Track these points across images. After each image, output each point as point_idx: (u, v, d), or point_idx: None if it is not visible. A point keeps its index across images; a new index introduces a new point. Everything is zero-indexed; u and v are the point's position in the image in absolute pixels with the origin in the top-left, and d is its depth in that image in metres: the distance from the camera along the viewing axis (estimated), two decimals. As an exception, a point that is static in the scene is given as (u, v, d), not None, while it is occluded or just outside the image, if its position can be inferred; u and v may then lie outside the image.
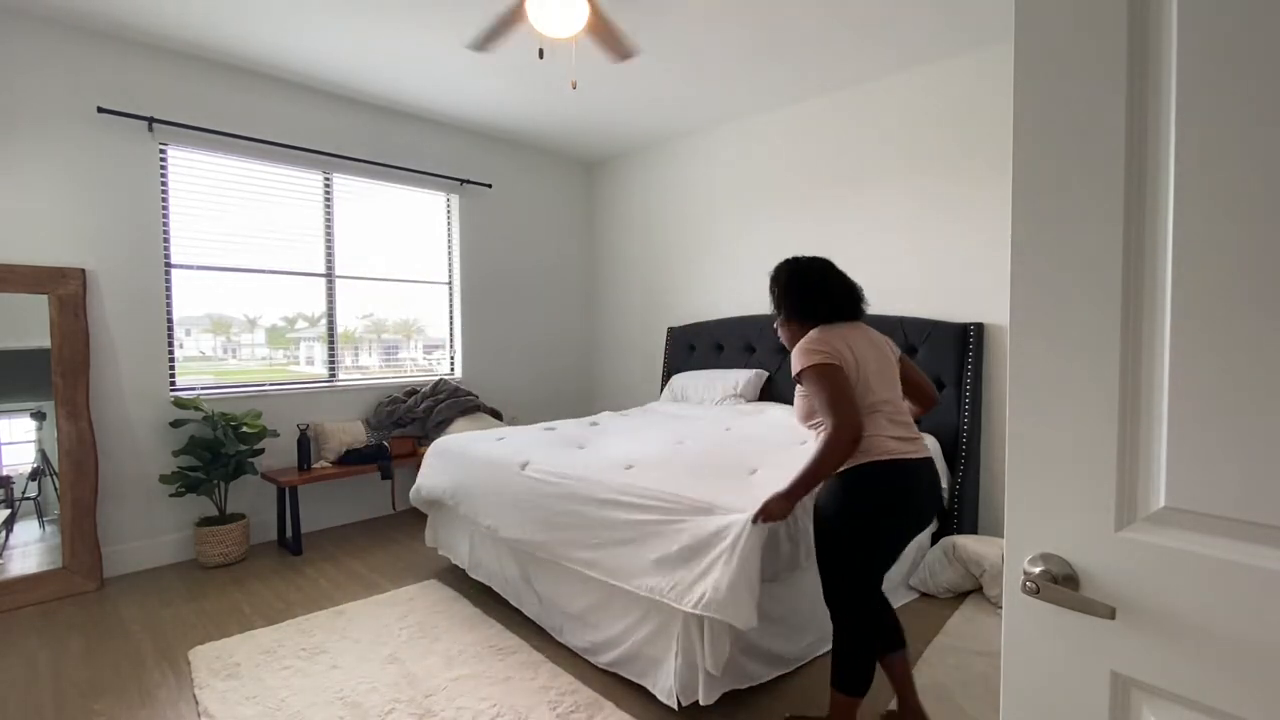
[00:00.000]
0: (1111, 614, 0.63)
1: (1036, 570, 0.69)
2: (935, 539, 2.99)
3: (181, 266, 3.25)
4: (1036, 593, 0.68)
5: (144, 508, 3.12)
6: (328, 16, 2.82)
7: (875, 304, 3.43)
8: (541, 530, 2.26)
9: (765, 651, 2.02)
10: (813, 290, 1.70)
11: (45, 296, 2.81)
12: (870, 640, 1.62)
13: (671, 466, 2.28)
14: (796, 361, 1.61)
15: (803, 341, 1.63)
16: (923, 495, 1.60)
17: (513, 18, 2.41)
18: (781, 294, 1.75)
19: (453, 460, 2.84)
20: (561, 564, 2.20)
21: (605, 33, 2.52)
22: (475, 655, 2.22)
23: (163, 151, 3.16)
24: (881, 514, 1.56)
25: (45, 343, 2.81)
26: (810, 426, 1.68)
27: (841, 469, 1.58)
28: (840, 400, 1.52)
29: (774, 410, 3.39)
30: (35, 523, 2.90)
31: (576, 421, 3.37)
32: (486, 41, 2.56)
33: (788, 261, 1.77)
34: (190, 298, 3.31)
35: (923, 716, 1.74)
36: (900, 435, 1.60)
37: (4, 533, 2.81)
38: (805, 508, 1.92)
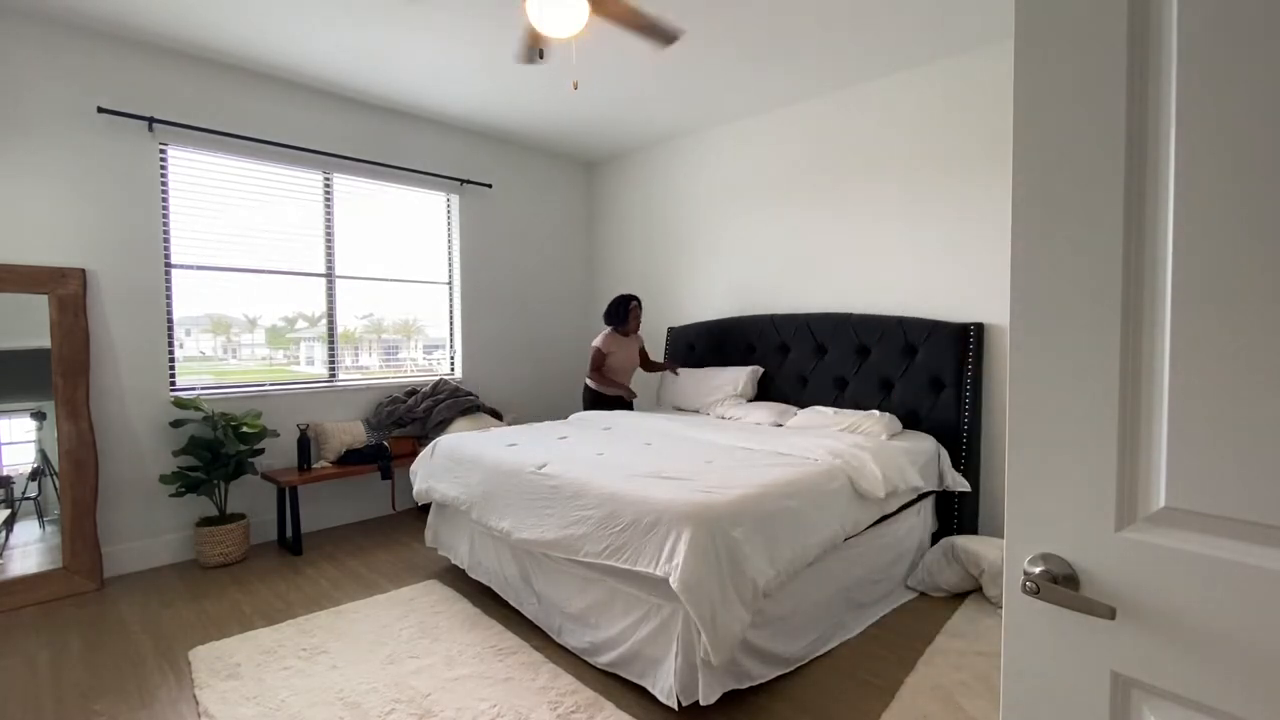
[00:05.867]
0: (1111, 614, 0.63)
1: (1036, 570, 0.69)
2: (935, 539, 2.99)
3: (181, 266, 3.24)
4: (1036, 593, 0.68)
5: (144, 508, 3.12)
6: (328, 16, 2.82)
7: (875, 304, 3.50)
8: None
9: (765, 651, 2.02)
10: None
11: (45, 296, 2.81)
12: None
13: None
14: None
15: None
16: None
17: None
18: None
19: (465, 464, 2.76)
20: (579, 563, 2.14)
21: (642, 23, 2.45)
22: (475, 655, 2.22)
23: (163, 151, 3.16)
24: None
25: (45, 343, 2.81)
26: None
27: None
28: None
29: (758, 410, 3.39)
30: (35, 523, 2.90)
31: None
32: (527, 52, 2.60)
33: None
34: (190, 298, 3.30)
35: None
36: None
37: (4, 533, 2.81)
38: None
